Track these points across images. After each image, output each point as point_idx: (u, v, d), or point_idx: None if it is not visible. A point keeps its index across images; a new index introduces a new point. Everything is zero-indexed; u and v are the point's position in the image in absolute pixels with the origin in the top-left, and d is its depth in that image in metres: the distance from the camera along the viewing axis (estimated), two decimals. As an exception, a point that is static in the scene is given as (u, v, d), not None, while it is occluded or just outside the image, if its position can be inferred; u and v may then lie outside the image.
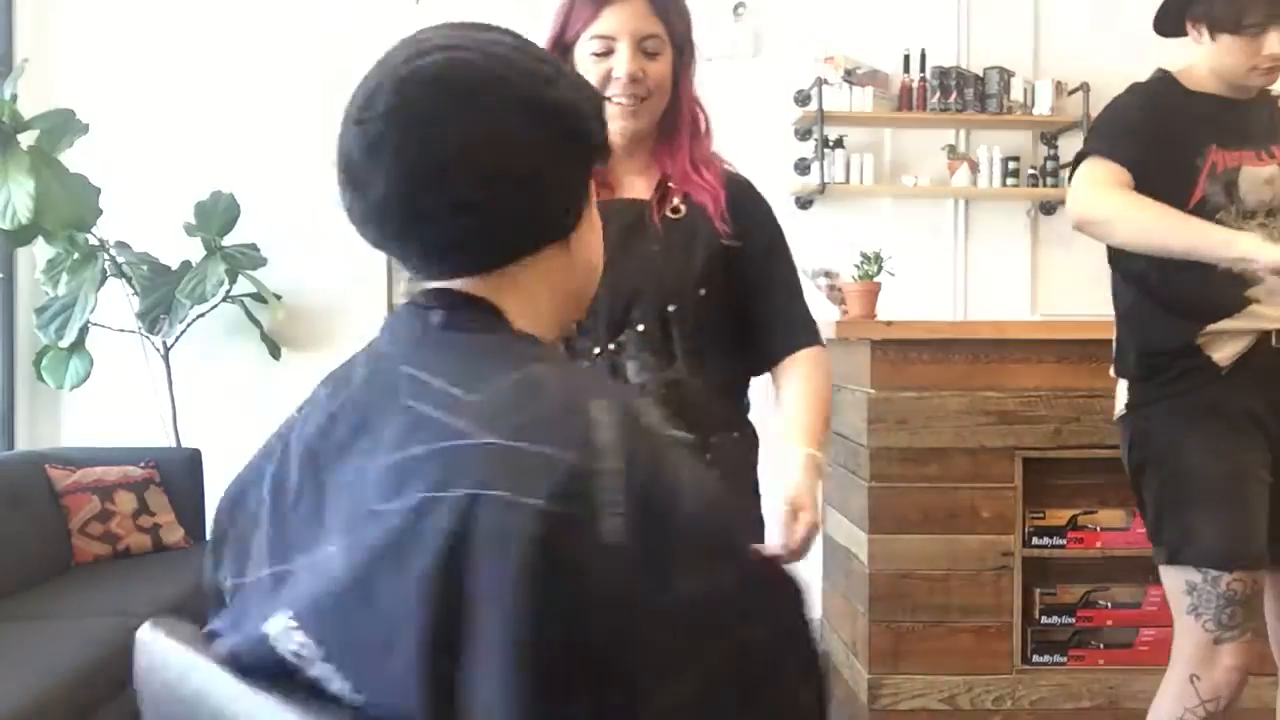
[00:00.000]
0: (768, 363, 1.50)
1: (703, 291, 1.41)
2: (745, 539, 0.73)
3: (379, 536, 0.65)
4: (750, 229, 1.48)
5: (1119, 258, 1.91)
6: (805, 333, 1.50)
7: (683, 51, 1.45)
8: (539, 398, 0.69)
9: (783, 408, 1.45)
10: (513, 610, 0.60)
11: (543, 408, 0.67)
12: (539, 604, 0.59)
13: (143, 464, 3.38)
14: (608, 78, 1.39)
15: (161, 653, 0.77)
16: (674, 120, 1.46)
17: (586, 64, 1.40)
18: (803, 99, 3.92)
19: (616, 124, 1.37)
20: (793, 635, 0.72)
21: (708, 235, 1.43)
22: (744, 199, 1.49)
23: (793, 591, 0.73)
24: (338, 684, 0.67)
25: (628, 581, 0.62)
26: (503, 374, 0.71)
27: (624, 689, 0.61)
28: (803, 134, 3.98)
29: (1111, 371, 1.97)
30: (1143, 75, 1.93)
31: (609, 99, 1.39)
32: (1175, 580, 1.83)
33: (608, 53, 1.39)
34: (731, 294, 1.45)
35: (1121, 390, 1.94)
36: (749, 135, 3.83)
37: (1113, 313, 1.96)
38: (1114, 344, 1.97)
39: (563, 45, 1.43)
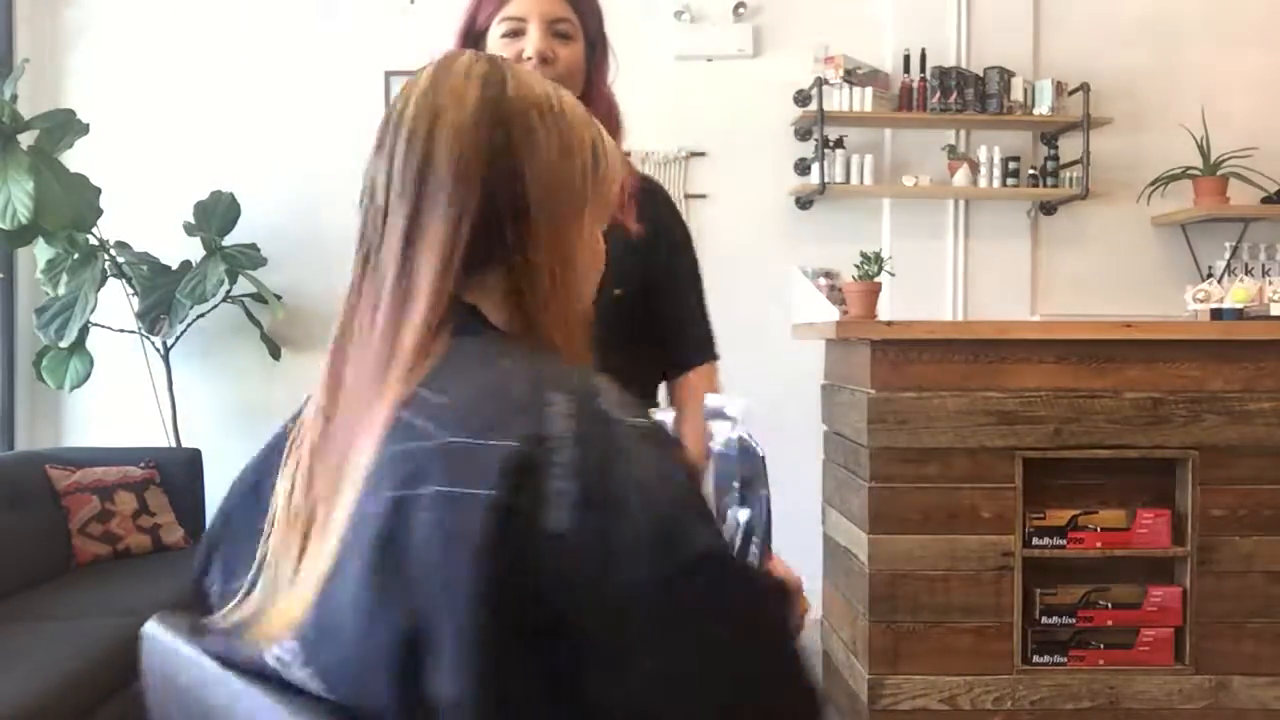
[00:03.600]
0: (667, 373, 1.53)
1: (617, 291, 1.35)
2: (709, 532, 0.68)
3: (345, 540, 0.68)
4: (659, 230, 1.49)
5: None
6: (698, 349, 1.53)
7: (595, 47, 1.45)
8: (501, 394, 0.69)
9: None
10: (465, 600, 0.61)
11: (502, 404, 0.68)
12: (489, 591, 0.61)
13: (143, 464, 3.38)
14: (518, 60, 1.37)
15: (161, 647, 0.80)
16: None
17: (497, 49, 1.38)
18: (803, 99, 3.92)
19: None
20: (763, 632, 0.70)
21: (618, 233, 1.38)
22: (657, 200, 1.51)
23: (765, 589, 0.72)
24: (315, 685, 0.69)
25: (574, 569, 0.62)
26: (472, 374, 0.72)
27: (571, 676, 0.63)
28: (803, 134, 3.98)
29: None
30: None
31: None
32: None
33: (518, 34, 1.39)
34: (644, 295, 1.47)
35: None
36: (749, 135, 3.84)
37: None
38: None
39: (474, 35, 1.43)
